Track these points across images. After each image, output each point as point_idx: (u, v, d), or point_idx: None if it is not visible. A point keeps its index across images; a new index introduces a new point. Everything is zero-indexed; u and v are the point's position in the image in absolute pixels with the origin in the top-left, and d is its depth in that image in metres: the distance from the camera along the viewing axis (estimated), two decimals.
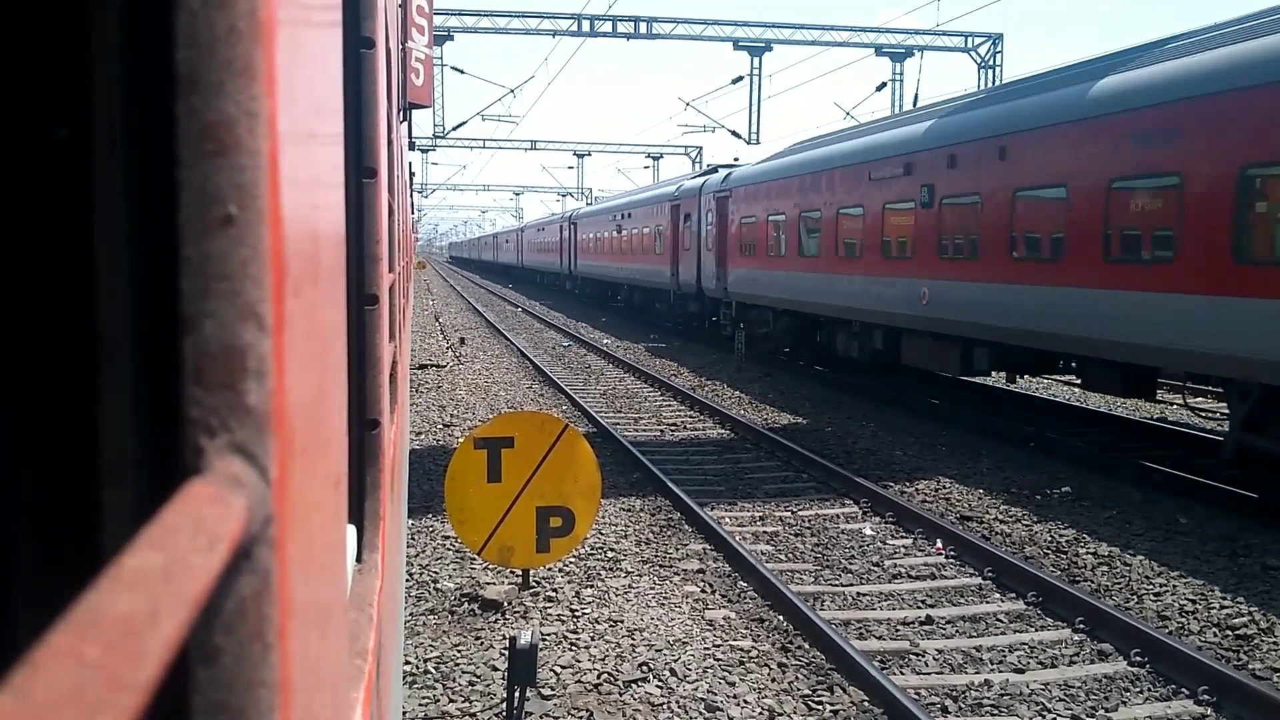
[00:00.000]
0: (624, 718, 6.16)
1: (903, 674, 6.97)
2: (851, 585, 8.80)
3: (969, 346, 15.62)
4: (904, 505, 10.85)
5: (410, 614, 7.75)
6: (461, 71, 39.37)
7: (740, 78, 36.63)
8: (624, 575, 8.74)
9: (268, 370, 0.61)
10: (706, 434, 15.72)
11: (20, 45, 0.70)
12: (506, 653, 6.20)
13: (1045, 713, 6.40)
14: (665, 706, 6.29)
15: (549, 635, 7.31)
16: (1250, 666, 7.04)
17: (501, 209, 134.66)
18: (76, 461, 0.73)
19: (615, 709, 6.24)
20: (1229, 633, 7.60)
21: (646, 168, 69.41)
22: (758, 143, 37.78)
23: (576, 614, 7.78)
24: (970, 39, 34.29)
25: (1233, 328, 10.38)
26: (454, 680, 6.63)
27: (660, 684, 6.58)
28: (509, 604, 7.90)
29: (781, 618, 7.83)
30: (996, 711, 6.42)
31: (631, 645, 7.17)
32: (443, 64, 36.05)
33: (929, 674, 7.00)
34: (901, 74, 35.48)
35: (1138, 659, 7.05)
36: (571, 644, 7.20)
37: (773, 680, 6.69)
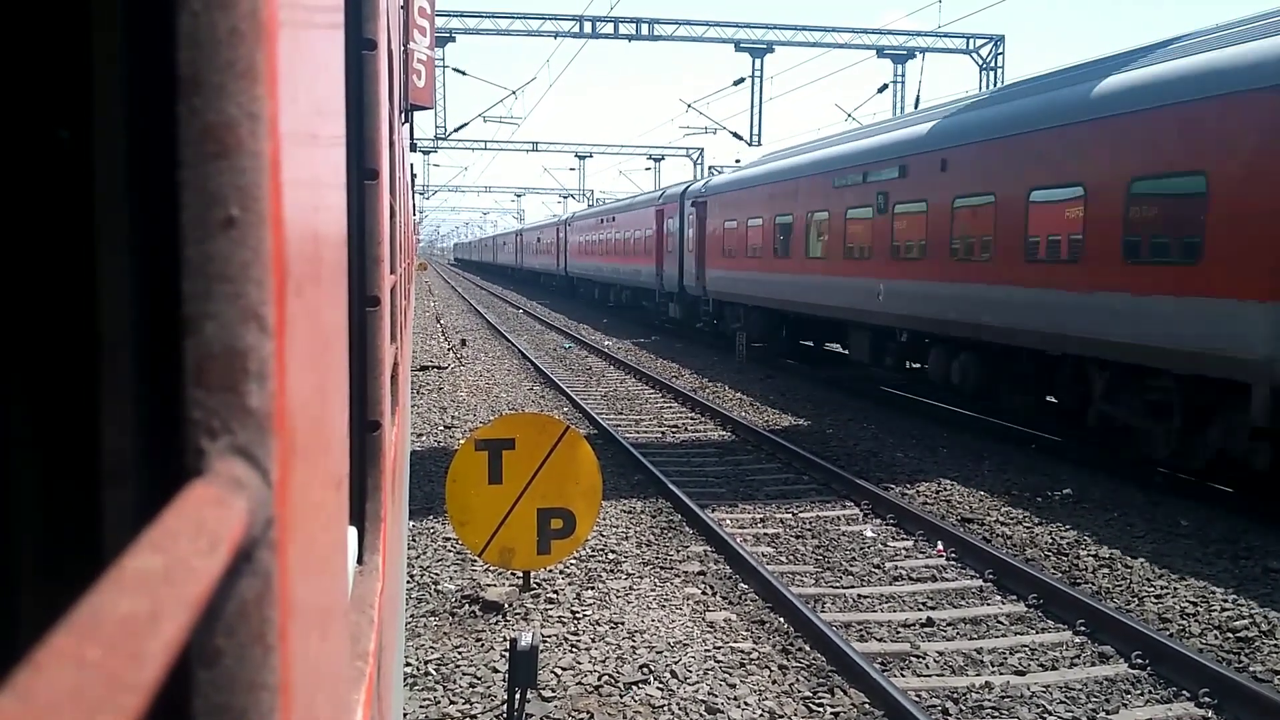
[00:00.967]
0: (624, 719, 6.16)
1: (903, 676, 6.96)
2: (852, 587, 8.79)
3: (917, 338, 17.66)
4: (905, 507, 10.85)
5: (411, 616, 7.75)
6: (463, 73, 39.43)
7: (742, 79, 36.64)
8: (625, 577, 8.74)
9: (269, 372, 0.61)
10: (708, 436, 15.72)
11: (22, 47, 0.70)
12: (507, 654, 6.20)
13: (1046, 715, 6.39)
14: (666, 708, 6.28)
15: (550, 637, 7.30)
16: (1251, 669, 7.03)
17: (503, 210, 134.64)
18: (78, 463, 0.73)
19: (616, 711, 6.24)
20: (1230, 635, 7.60)
21: (648, 169, 69.43)
22: (759, 144, 37.79)
23: (577, 616, 7.78)
24: (972, 41, 34.30)
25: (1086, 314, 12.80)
26: (455, 682, 6.63)
27: (661, 686, 6.57)
28: (510, 606, 7.90)
29: (782, 619, 7.82)
30: (997, 714, 6.41)
31: (632, 647, 7.17)
32: (444, 65, 36.10)
33: (930, 676, 6.99)
34: (903, 76, 35.49)
35: (1139, 661, 7.04)
36: (572, 646, 7.20)
37: (773, 682, 6.69)
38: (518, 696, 5.90)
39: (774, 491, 12.04)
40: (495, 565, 7.71)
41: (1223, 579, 8.74)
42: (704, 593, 8.43)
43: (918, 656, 7.28)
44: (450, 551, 9.35)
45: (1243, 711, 6.28)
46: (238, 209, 0.60)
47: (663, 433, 15.89)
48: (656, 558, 9.36)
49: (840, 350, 21.88)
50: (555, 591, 8.26)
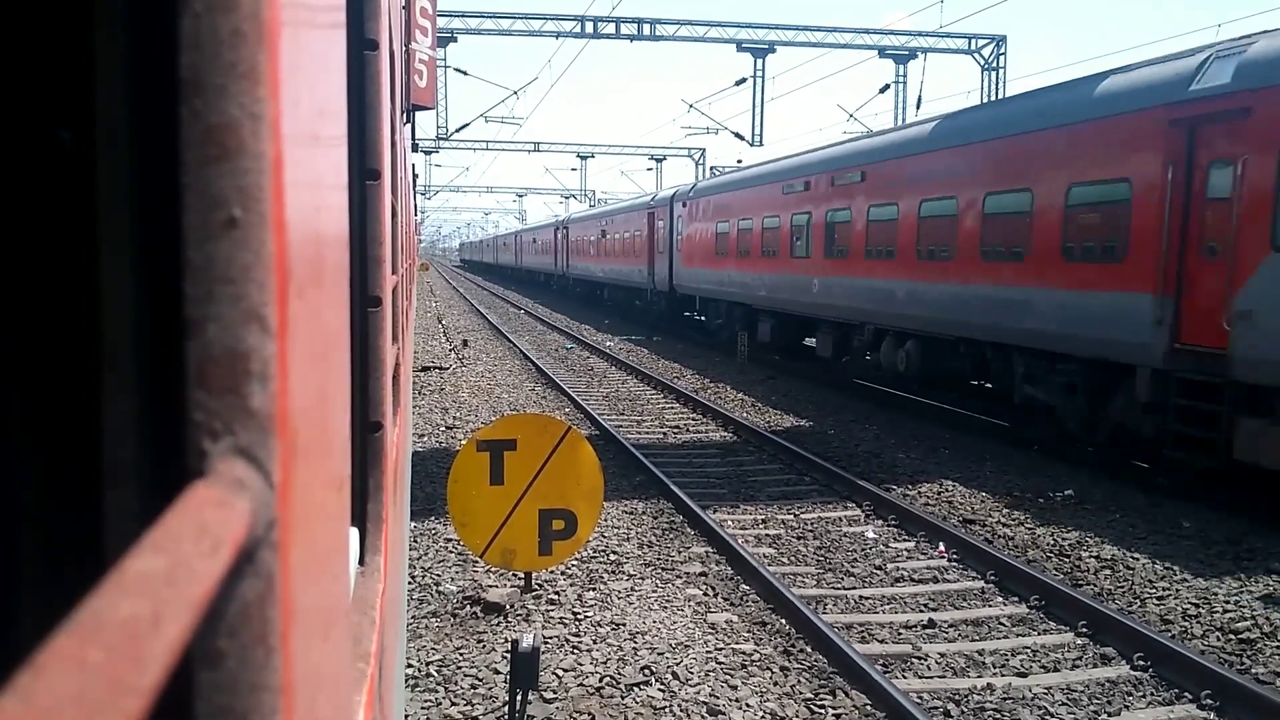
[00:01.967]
0: None
1: (905, 678, 6.96)
2: (854, 588, 8.79)
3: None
4: (906, 508, 10.84)
5: (413, 617, 7.75)
6: (465, 73, 39.40)
7: (743, 79, 36.61)
8: (626, 578, 8.74)
9: (271, 373, 0.61)
10: (709, 436, 15.71)
11: (24, 49, 0.70)
12: (509, 656, 6.20)
13: (1048, 717, 6.39)
14: (667, 710, 6.28)
15: (551, 638, 7.30)
16: (1253, 670, 7.03)
17: (505, 211, 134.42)
18: (80, 464, 0.73)
19: (617, 712, 6.24)
20: (1232, 637, 7.59)
21: (650, 169, 69.36)
22: (761, 144, 37.79)
23: (579, 617, 7.78)
24: (974, 41, 34.27)
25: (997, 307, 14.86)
26: (456, 683, 6.62)
27: (662, 687, 6.57)
28: (511, 607, 7.90)
29: (784, 621, 7.82)
30: (999, 715, 6.41)
31: (634, 648, 7.17)
32: (446, 66, 36.08)
33: (931, 677, 6.99)
34: (905, 76, 35.47)
35: (1140, 663, 7.03)
36: (574, 647, 7.20)
37: (775, 684, 6.69)
38: (519, 698, 5.90)
39: (776, 492, 12.04)
40: (496, 566, 7.71)
41: (1225, 580, 8.73)
42: (705, 594, 8.43)
43: (919, 658, 7.28)
44: (452, 552, 9.35)
45: (1245, 713, 6.27)
46: (240, 210, 0.60)
47: (664, 433, 15.89)
48: (658, 559, 9.36)
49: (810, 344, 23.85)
50: (557, 592, 8.26)
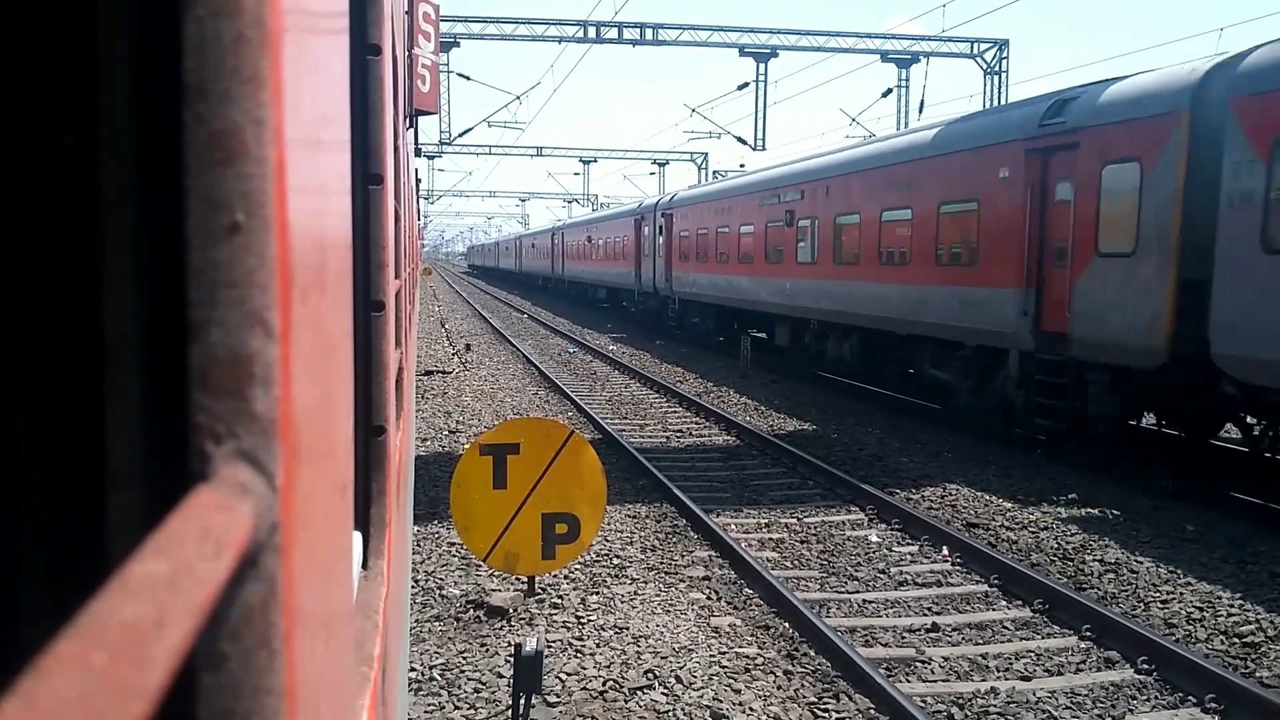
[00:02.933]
0: None
1: (909, 682, 6.95)
2: (857, 592, 8.78)
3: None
4: (910, 512, 10.83)
5: (416, 621, 7.75)
6: (468, 78, 39.46)
7: (746, 84, 36.63)
8: (629, 582, 8.73)
9: (274, 377, 0.61)
10: (712, 440, 15.71)
11: (28, 53, 0.71)
12: (512, 660, 6.19)
13: None
14: (671, 714, 6.28)
15: (554, 642, 7.30)
16: (1258, 674, 7.01)
17: (508, 215, 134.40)
18: (83, 468, 0.73)
19: (621, 716, 6.23)
20: (1236, 640, 7.57)
21: (652, 174, 69.28)
22: (763, 149, 37.78)
23: (582, 621, 7.78)
24: (976, 45, 34.26)
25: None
26: (459, 687, 6.62)
27: (666, 691, 6.56)
28: (514, 611, 7.90)
29: (787, 625, 7.81)
30: (1003, 719, 6.40)
31: (637, 652, 7.16)
32: (449, 70, 36.12)
33: (935, 682, 6.98)
34: (908, 80, 35.47)
35: (1145, 667, 7.02)
36: (577, 651, 7.19)
37: (778, 688, 6.68)
38: (522, 702, 5.90)
39: (779, 496, 12.03)
40: (500, 570, 7.70)
41: (1229, 584, 8.71)
42: (709, 598, 8.42)
43: (923, 662, 7.27)
44: (455, 556, 9.35)
45: (1249, 717, 6.26)
46: (243, 215, 0.60)
47: (667, 438, 15.88)
48: (661, 563, 9.35)
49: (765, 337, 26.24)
50: (560, 596, 8.26)
